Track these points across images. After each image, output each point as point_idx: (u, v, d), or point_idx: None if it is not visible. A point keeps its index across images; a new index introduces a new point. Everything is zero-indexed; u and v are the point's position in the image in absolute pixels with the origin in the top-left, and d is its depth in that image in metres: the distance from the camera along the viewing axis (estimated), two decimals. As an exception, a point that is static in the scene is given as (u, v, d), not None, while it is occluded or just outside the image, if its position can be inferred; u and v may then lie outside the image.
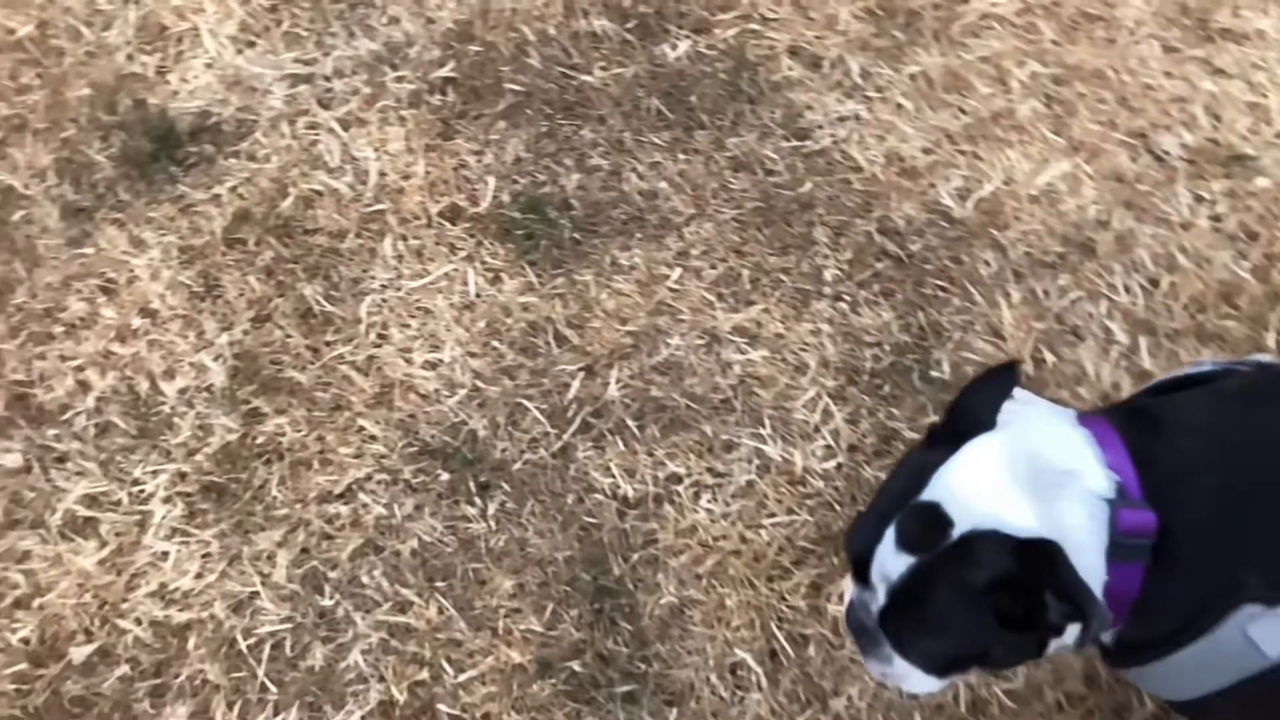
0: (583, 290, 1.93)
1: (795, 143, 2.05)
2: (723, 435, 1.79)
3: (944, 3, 2.20)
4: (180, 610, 1.75)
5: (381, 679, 1.68)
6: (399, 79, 2.16)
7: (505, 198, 2.02)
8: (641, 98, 2.12)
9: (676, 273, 1.95)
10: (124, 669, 1.71)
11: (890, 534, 1.09)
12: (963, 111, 2.09)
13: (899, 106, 2.11)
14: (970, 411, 1.12)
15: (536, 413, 1.84)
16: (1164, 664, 1.08)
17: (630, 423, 1.81)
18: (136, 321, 1.97)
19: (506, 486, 1.78)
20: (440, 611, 1.70)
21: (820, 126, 2.07)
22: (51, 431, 1.88)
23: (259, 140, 2.13)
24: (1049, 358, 1.83)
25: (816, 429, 1.79)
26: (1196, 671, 1.06)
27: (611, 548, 1.72)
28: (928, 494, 1.08)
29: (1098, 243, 1.95)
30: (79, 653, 1.73)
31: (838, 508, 1.73)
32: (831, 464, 1.75)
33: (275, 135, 2.13)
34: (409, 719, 1.64)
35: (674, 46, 2.17)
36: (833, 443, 1.77)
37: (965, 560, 1.04)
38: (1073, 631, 1.05)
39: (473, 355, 1.90)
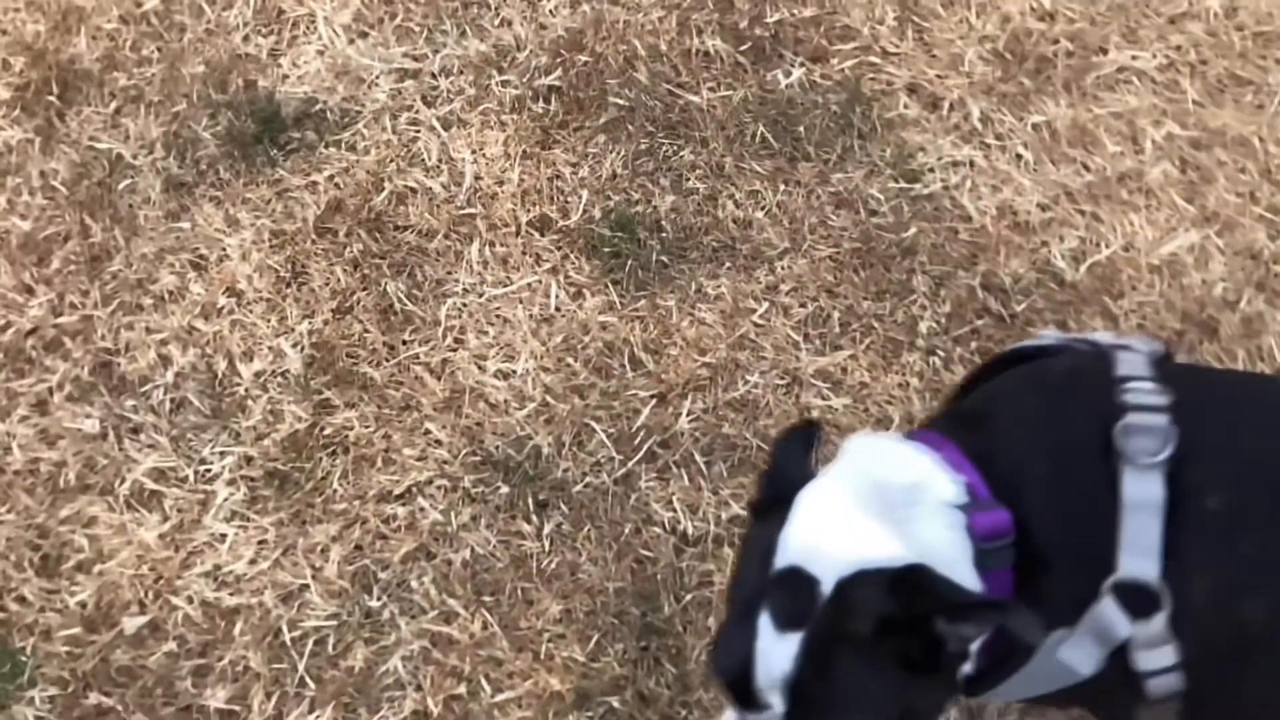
0: (664, 315, 1.93)
1: (903, 184, 2.01)
2: (793, 482, 1.76)
3: (1079, 51, 2.13)
4: (231, 594, 1.80)
5: (419, 688, 1.70)
6: (504, 83, 2.20)
7: (596, 213, 2.03)
8: (747, 123, 2.11)
9: (763, 307, 1.93)
10: (171, 645, 1.77)
11: (765, 622, 0.97)
12: (1086, 169, 2.02)
13: (1018, 157, 2.05)
14: (785, 472, 1.05)
15: (603, 435, 1.83)
16: (1000, 688, 1.03)
17: (698, 457, 1.79)
18: (222, 300, 2.04)
19: (565, 507, 1.78)
20: (485, 627, 1.72)
21: (931, 170, 2.03)
22: (130, 402, 1.96)
23: (360, 132, 2.18)
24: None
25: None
26: (1024, 687, 1.02)
27: (665, 584, 1.70)
28: (781, 562, 0.98)
29: (1221, 323, 1.86)
30: (131, 623, 1.79)
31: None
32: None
33: (377, 128, 2.18)
34: (441, 734, 1.65)
35: (787, 73, 2.16)
36: (908, 504, 1.73)
37: (846, 614, 0.95)
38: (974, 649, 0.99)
39: (546, 370, 1.91)
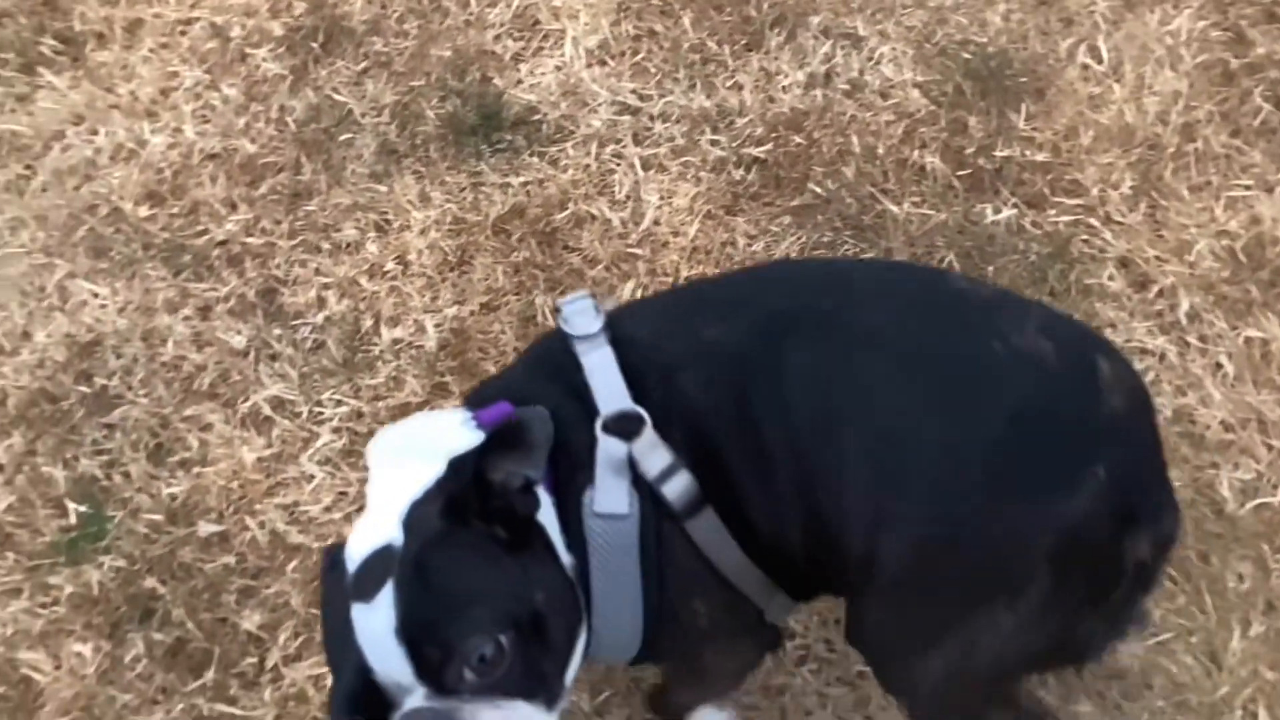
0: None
1: (1079, 355, 1.99)
2: (856, 615, 1.76)
3: (1324, 275, 2.05)
4: (299, 532, 1.97)
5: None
6: (714, 141, 2.33)
7: (756, 289, 2.11)
8: (939, 247, 2.14)
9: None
10: (231, 559, 1.95)
11: (356, 613, 1.04)
12: (1289, 400, 1.93)
13: (1217, 366, 1.98)
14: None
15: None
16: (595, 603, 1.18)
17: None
18: (390, 265, 2.25)
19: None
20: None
21: (1114, 350, 1.99)
22: (277, 331, 2.19)
23: (566, 150, 2.36)
24: (1262, 715, 1.64)
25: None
26: (608, 589, 1.18)
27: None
28: (354, 567, 1.09)
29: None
30: (205, 528, 1.99)
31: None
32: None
33: (582, 151, 2.35)
34: None
35: (997, 210, 2.18)
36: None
37: (416, 533, 1.07)
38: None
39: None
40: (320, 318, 2.20)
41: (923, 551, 1.14)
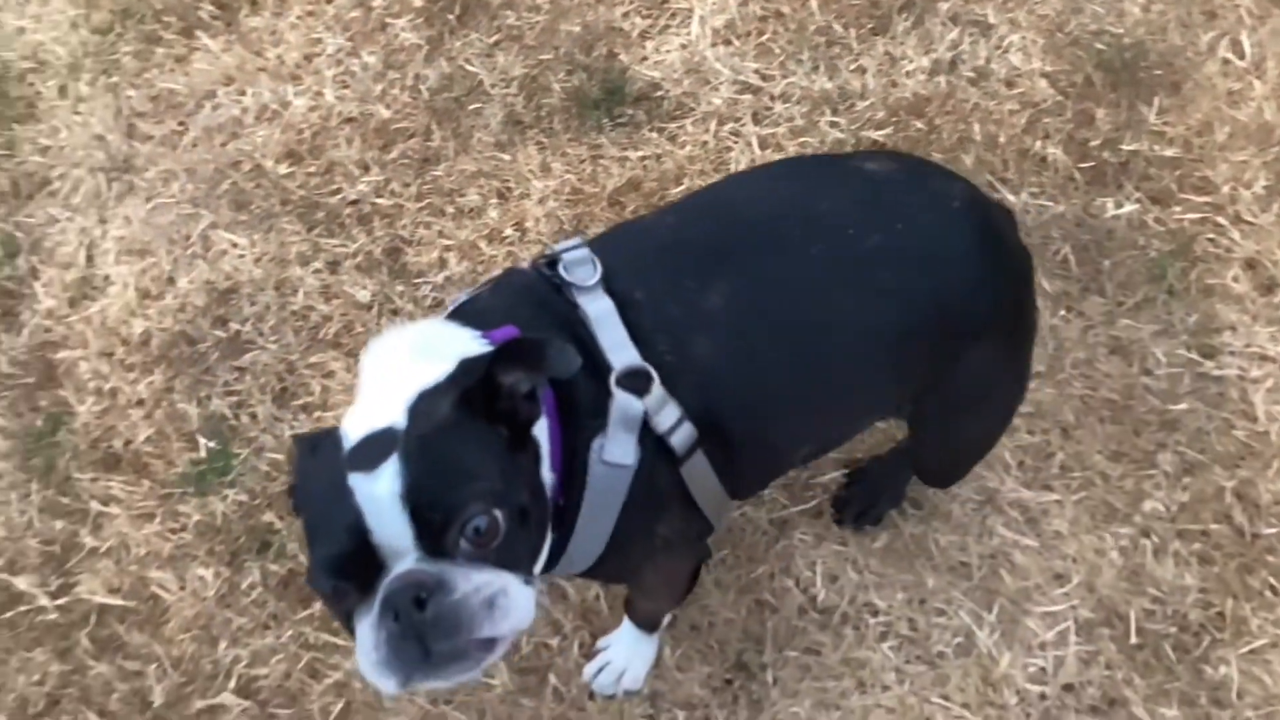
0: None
1: (1194, 356, 1.96)
2: (941, 595, 1.78)
3: None
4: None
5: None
6: (833, 123, 2.36)
7: (864, 272, 2.14)
8: (1054, 239, 2.13)
9: (990, 421, 1.95)
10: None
11: (355, 479, 1.08)
12: None
13: (1344, 374, 1.93)
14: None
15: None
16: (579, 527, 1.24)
17: (860, 533, 1.86)
18: (508, 231, 2.35)
19: (713, 527, 1.91)
20: (597, 597, 1.88)
21: (1233, 353, 1.95)
22: (400, 287, 2.31)
23: (685, 127, 2.42)
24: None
25: (1043, 646, 1.72)
26: (595, 521, 1.24)
27: (774, 634, 1.79)
28: (351, 442, 1.13)
29: None
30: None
31: (1021, 738, 1.67)
32: (1036, 689, 1.68)
33: (701, 128, 2.41)
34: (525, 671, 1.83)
35: (1119, 204, 2.15)
36: (1051, 670, 1.70)
37: (424, 417, 1.11)
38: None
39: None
40: (441, 277, 2.31)
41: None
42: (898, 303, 1.30)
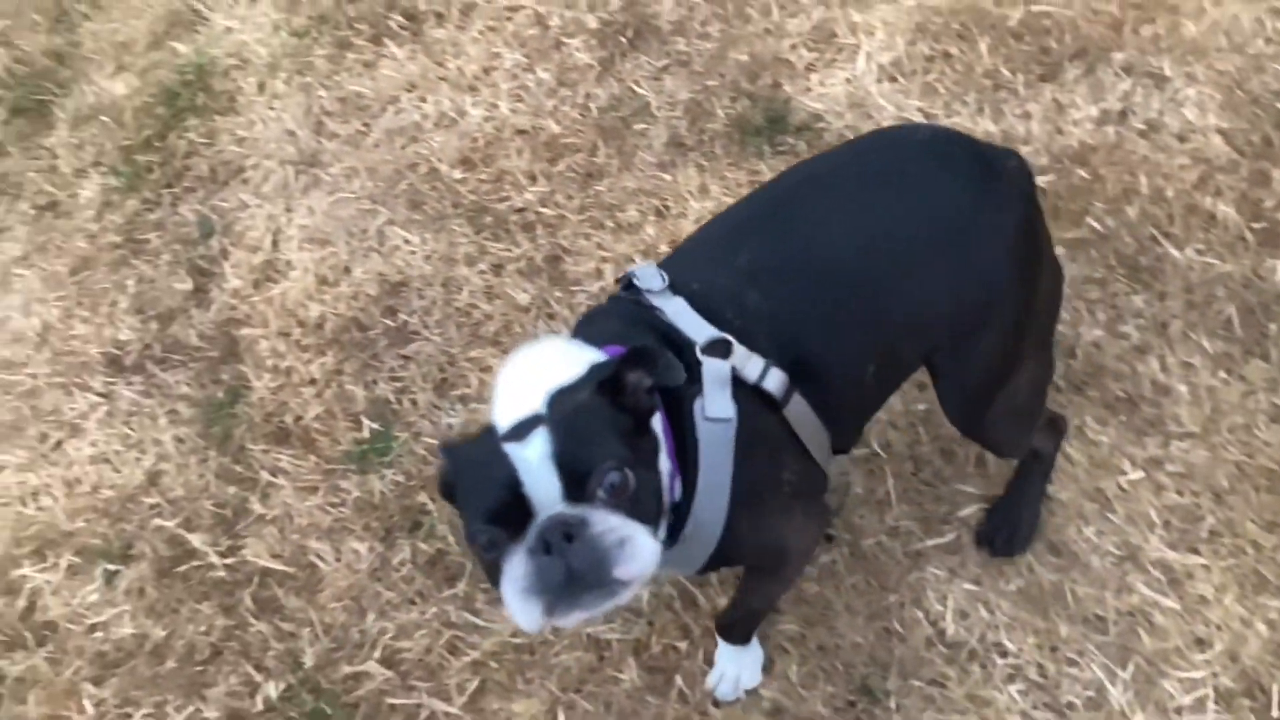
0: (1032, 435, 1.99)
1: (1361, 429, 1.89)
2: (1075, 645, 1.77)
3: None
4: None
5: (650, 623, 1.94)
6: (994, 166, 2.35)
7: (1017, 315, 2.13)
8: (1219, 298, 2.09)
9: (1137, 475, 1.92)
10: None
11: (510, 446, 1.25)
12: None
13: None
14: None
15: (913, 509, 1.95)
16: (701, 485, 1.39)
17: (995, 569, 1.85)
18: (664, 248, 2.42)
19: (848, 551, 1.93)
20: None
21: (1404, 428, 1.88)
22: (558, 294, 2.41)
23: (845, 159, 2.45)
24: None
25: (1179, 711, 1.69)
26: (714, 474, 1.39)
27: (900, 663, 1.80)
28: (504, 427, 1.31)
29: None
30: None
31: (1148, 797, 1.64)
32: (1168, 750, 1.65)
33: (860, 161, 2.44)
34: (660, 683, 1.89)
35: (1291, 268, 2.10)
36: (1185, 733, 1.67)
37: (566, 401, 1.30)
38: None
39: (894, 425, 2.06)
40: (596, 287, 2.40)
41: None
42: (891, 215, 1.50)
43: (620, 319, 1.53)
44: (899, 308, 1.49)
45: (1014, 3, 2.61)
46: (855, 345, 1.51)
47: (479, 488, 1.30)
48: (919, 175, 1.53)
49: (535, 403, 1.32)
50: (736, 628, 1.78)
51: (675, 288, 1.50)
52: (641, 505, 1.29)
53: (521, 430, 1.29)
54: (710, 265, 1.53)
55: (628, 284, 1.55)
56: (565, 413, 1.29)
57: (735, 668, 1.84)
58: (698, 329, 1.45)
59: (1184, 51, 2.42)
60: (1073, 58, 2.47)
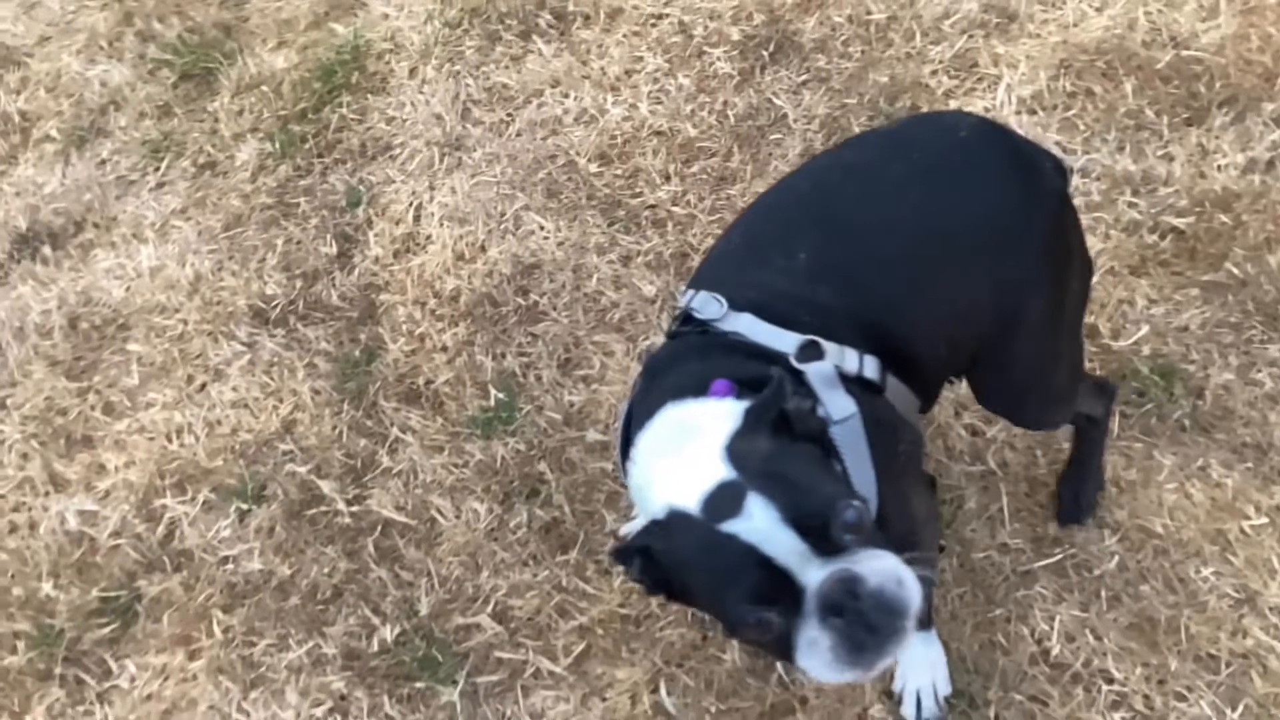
0: (1152, 468, 1.98)
1: None
2: (1184, 680, 1.75)
3: None
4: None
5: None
6: (1131, 204, 2.35)
7: (1145, 350, 2.13)
8: (1355, 351, 2.06)
9: (1260, 520, 1.90)
10: (608, 465, 2.23)
11: (759, 523, 1.17)
12: None
13: None
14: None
15: (1024, 528, 1.96)
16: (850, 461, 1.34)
17: (1106, 594, 1.85)
18: (793, 255, 2.46)
19: (958, 562, 1.94)
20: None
21: None
22: (683, 288, 2.45)
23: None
24: None
25: (1286, 752, 1.67)
26: (857, 457, 1.35)
27: (1003, 675, 1.80)
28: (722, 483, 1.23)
29: None
30: (592, 435, 2.28)
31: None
32: (1274, 792, 1.63)
33: (995, 188, 2.45)
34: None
35: None
36: (1293, 776, 1.64)
37: (753, 455, 1.23)
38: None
39: (1011, 446, 2.06)
40: (724, 286, 2.44)
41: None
42: (940, 207, 1.49)
43: (697, 355, 1.46)
44: (957, 296, 1.50)
45: (1164, 46, 2.60)
46: (928, 328, 1.51)
47: (724, 579, 1.22)
48: (965, 168, 1.53)
49: (713, 470, 1.23)
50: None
51: (735, 304, 1.46)
52: (876, 531, 1.24)
53: (724, 505, 1.21)
54: (763, 271, 1.49)
55: (685, 318, 1.51)
56: (761, 468, 1.22)
57: (927, 676, 1.78)
58: (779, 339, 1.42)
59: (1336, 107, 2.39)
60: (1221, 104, 2.45)
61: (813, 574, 1.16)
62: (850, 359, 1.42)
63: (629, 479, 1.40)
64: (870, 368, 1.44)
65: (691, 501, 1.22)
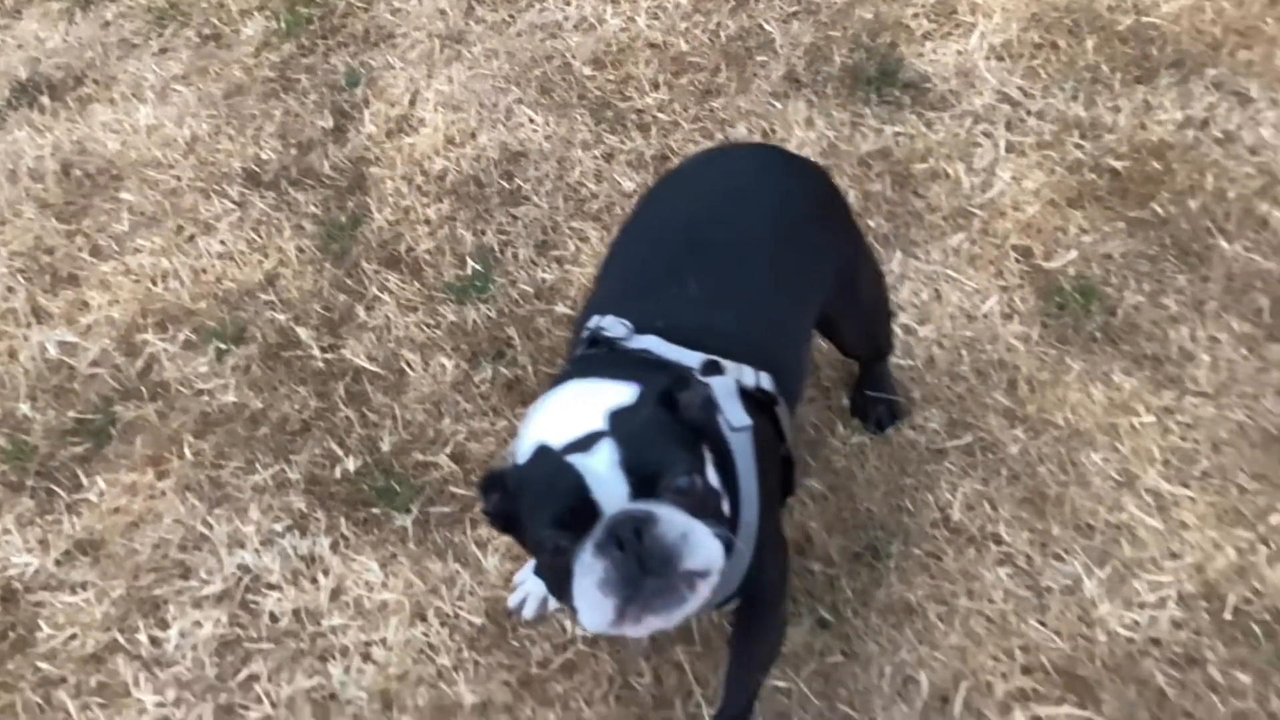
0: (1062, 370, 2.32)
1: (1358, 416, 2.19)
2: (1062, 544, 2.09)
3: None
4: (627, 336, 2.53)
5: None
6: (1078, 145, 2.69)
7: (1071, 271, 2.47)
8: (1256, 290, 2.40)
9: (1149, 419, 2.24)
10: (569, 335, 2.53)
11: (575, 458, 1.34)
12: None
13: None
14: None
15: (941, 413, 2.28)
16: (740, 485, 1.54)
17: (1006, 473, 2.18)
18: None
19: (881, 439, 2.27)
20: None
21: (1396, 423, 2.18)
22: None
23: (943, 118, 2.80)
24: None
25: (1142, 605, 2.01)
26: (749, 473, 1.54)
27: (906, 534, 2.14)
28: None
29: None
30: (560, 310, 2.58)
31: (1098, 669, 1.94)
32: (1126, 634, 1.97)
33: (956, 123, 2.78)
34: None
35: (1327, 276, 2.40)
36: (1144, 624, 1.98)
37: (632, 416, 1.41)
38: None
39: (942, 344, 2.39)
40: (695, 188, 2.75)
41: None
42: (770, 215, 1.81)
43: (615, 362, 1.61)
44: (816, 282, 1.83)
45: (1126, 10, 2.94)
46: (801, 332, 1.83)
47: (543, 500, 1.35)
48: (765, 181, 1.88)
49: (593, 422, 1.38)
50: (756, 665, 1.86)
51: (640, 329, 1.65)
52: (708, 510, 1.36)
53: (584, 444, 1.35)
54: (664, 301, 1.69)
55: (592, 340, 1.69)
56: (630, 425, 1.37)
57: None
58: (684, 357, 1.61)
59: (1273, 79, 2.73)
60: (1169, 66, 2.79)
61: (614, 508, 1.32)
62: (747, 375, 1.63)
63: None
64: (766, 380, 1.65)
65: (558, 441, 1.39)
